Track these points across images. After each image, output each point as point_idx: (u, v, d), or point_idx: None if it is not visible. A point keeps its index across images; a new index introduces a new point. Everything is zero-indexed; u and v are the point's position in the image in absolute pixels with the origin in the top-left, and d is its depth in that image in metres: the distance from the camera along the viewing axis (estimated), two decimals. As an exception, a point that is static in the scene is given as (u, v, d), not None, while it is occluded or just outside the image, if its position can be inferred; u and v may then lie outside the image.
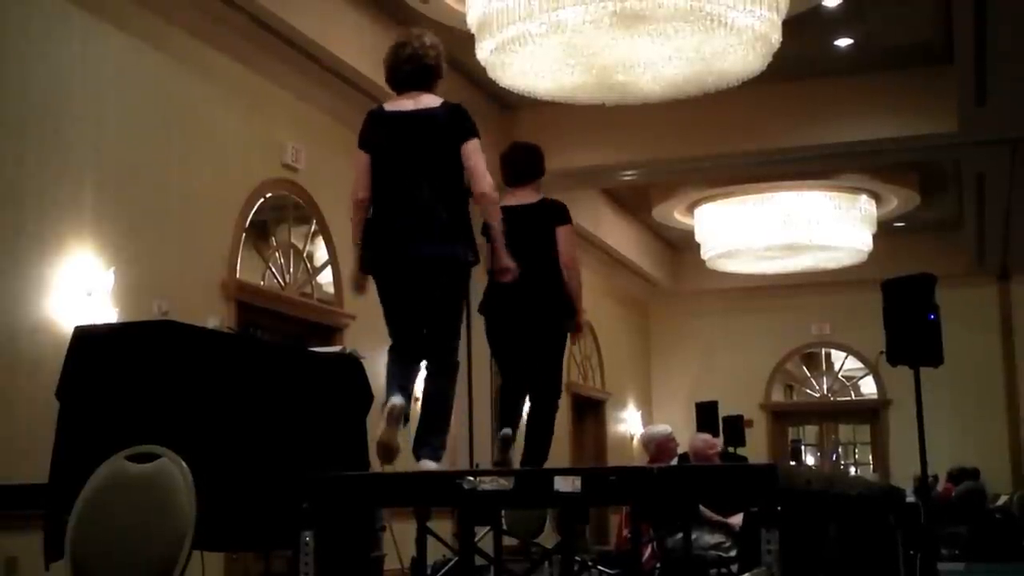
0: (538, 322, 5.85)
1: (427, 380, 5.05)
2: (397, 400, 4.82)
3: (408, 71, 5.06)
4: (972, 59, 10.07)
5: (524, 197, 5.97)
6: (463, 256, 4.96)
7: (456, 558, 7.60)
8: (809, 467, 17.92)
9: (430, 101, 5.03)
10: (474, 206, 5.05)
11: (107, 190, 7.76)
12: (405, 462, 5.14)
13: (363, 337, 9.26)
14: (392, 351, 5.05)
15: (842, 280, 16.75)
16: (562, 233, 5.87)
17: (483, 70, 9.51)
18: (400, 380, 4.96)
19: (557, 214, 5.93)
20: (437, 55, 5.09)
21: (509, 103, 12.28)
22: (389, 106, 5.11)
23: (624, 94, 9.61)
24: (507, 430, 5.71)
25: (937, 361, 8.22)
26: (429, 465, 4.82)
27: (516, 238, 5.43)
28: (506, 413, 5.90)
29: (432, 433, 4.91)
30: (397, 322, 5.04)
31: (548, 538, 8.66)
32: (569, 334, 6.00)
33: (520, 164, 6.05)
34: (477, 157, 4.92)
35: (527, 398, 6.01)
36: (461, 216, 4.94)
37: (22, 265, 7.06)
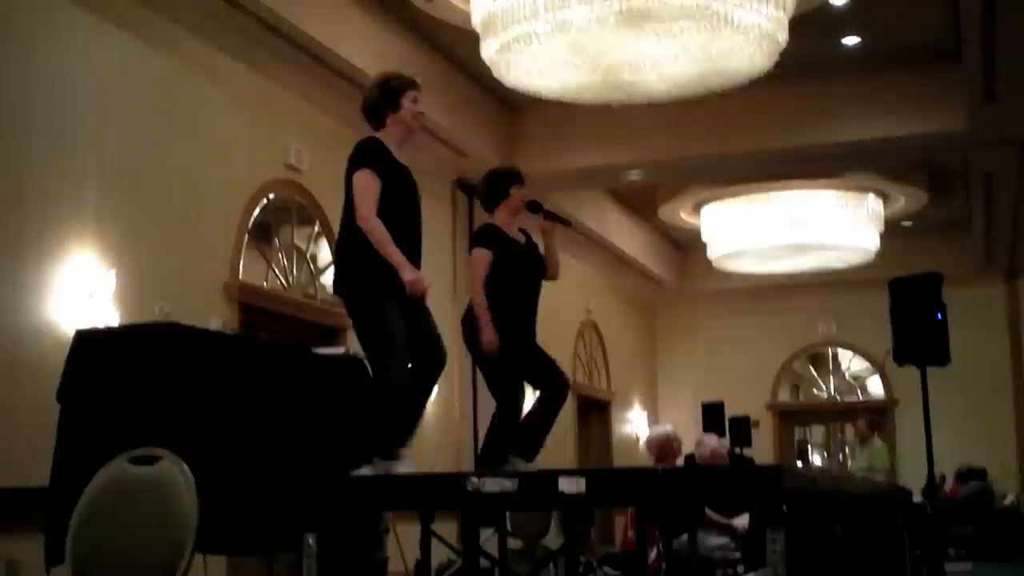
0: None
1: None
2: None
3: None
4: (980, 58, 10.03)
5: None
6: (357, 288, 5.11)
7: (460, 560, 7.57)
8: (816, 467, 17.89)
9: None
10: None
11: (109, 191, 7.74)
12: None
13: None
14: None
15: (849, 280, 16.70)
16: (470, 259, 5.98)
17: (488, 70, 9.48)
18: None
19: (472, 240, 6.10)
20: (375, 95, 5.28)
21: (515, 103, 12.25)
22: None
23: (630, 93, 9.57)
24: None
25: (944, 361, 8.19)
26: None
27: None
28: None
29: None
30: None
31: (553, 539, 8.63)
32: (492, 358, 5.85)
33: (480, 194, 6.18)
34: (356, 188, 5.13)
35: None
36: (349, 246, 5.13)
37: (23, 267, 7.04)
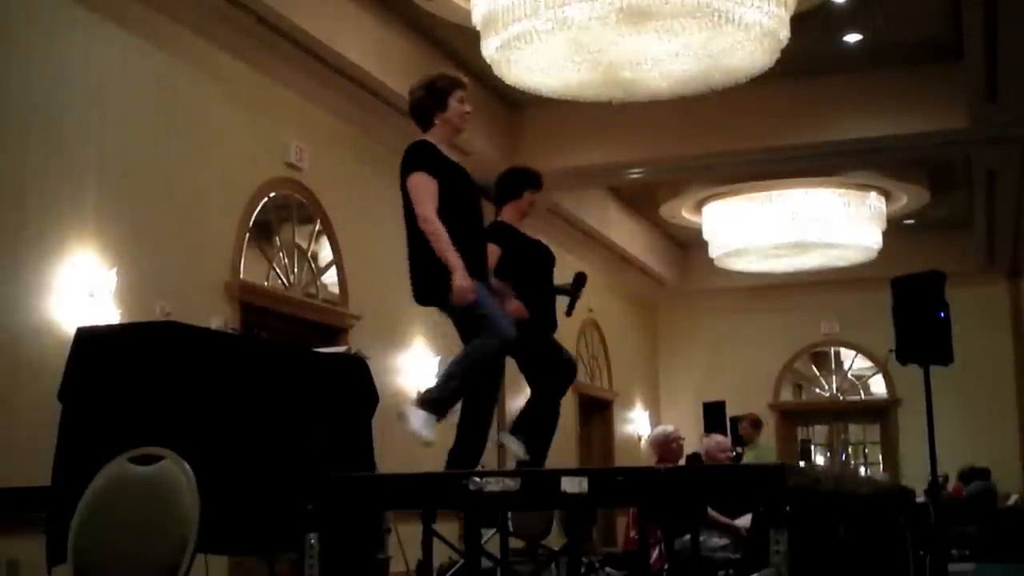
0: None
1: None
2: None
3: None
4: (982, 55, 10.01)
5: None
6: (441, 295, 5.06)
7: (462, 560, 7.56)
8: (818, 467, 17.87)
9: None
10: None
11: (109, 190, 7.73)
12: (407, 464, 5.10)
13: (368, 337, 9.21)
14: None
15: (851, 278, 16.67)
16: None
17: (489, 68, 9.46)
18: None
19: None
20: (420, 96, 5.24)
21: (515, 101, 12.23)
22: None
23: (631, 91, 9.56)
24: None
25: (947, 360, 8.18)
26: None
27: None
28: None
29: None
30: None
31: (555, 539, 8.62)
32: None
33: (493, 189, 6.14)
34: (413, 191, 5.06)
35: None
36: (421, 252, 5.06)
37: (24, 266, 7.02)
